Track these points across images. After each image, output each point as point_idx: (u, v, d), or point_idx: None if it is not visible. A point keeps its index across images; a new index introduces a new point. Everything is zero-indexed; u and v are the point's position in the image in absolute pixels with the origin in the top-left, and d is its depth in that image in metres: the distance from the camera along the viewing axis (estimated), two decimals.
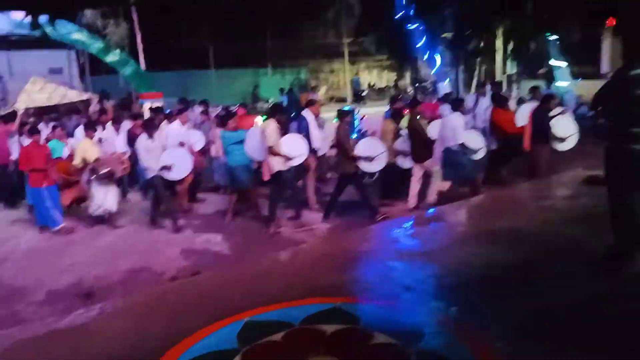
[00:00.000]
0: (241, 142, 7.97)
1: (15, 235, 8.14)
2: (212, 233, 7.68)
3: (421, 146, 8.10)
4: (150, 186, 8.48)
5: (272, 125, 7.63)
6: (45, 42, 18.14)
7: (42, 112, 11.06)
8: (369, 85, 32.08)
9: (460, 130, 7.91)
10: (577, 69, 15.77)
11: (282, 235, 7.47)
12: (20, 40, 17.98)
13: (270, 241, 7.26)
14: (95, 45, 14.21)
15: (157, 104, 12.61)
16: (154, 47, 17.92)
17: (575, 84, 15.16)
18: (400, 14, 14.61)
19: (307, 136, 8.36)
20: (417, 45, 16.30)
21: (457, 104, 8.31)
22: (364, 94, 29.34)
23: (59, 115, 11.70)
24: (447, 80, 16.74)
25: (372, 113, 16.06)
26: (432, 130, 8.57)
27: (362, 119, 12.23)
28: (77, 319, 4.19)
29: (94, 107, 11.65)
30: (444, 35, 21.84)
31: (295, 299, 4.11)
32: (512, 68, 27.02)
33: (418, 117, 8.36)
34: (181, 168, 8.25)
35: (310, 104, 9.13)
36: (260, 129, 7.90)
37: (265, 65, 27.15)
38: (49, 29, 13.30)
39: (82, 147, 8.35)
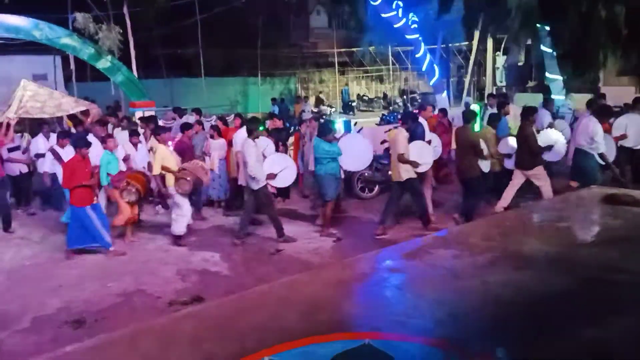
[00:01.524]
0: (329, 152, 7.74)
1: None
2: (209, 251, 7.26)
3: (529, 155, 7.93)
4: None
5: (403, 133, 7.69)
6: (29, 47, 17.62)
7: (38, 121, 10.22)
8: (359, 95, 31.87)
9: (600, 137, 7.80)
10: (572, 82, 15.65)
11: (284, 255, 7.08)
12: (4, 45, 17.40)
13: (271, 261, 6.87)
14: (86, 51, 13.68)
15: (149, 113, 12.17)
16: (144, 54, 17.51)
17: (572, 98, 15.03)
18: (400, 23, 14.35)
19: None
20: (417, 55, 16.06)
21: (602, 112, 8.19)
22: (353, 104, 29.10)
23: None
24: (445, 92, 16.53)
25: (365, 123, 15.77)
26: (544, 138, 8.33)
27: (359, 131, 11.90)
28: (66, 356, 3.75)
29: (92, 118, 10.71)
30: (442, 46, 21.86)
31: (317, 334, 3.71)
32: (501, 80, 27.12)
33: (532, 126, 8.20)
34: (287, 175, 8.21)
35: (422, 108, 8.83)
36: (391, 137, 8.00)
37: (254, 74, 26.82)
38: (37, 33, 12.85)
39: (160, 155, 7.50)
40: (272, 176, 7.84)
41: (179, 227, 7.55)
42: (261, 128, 11.04)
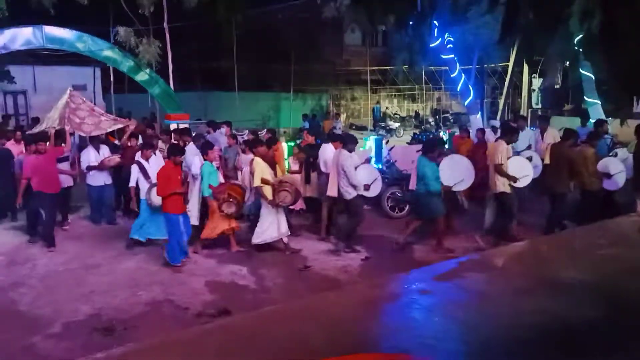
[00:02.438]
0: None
1: (33, 258, 7.78)
2: (237, 265, 7.29)
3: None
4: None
5: (504, 145, 7.77)
6: (70, 58, 18.23)
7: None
8: (386, 114, 31.85)
9: None
10: (609, 107, 15.32)
11: (312, 271, 7.06)
12: (46, 55, 18.05)
13: (299, 277, 6.86)
14: (126, 64, 14.07)
15: (183, 125, 12.39)
16: (181, 68, 17.90)
17: (610, 123, 14.71)
18: (436, 42, 14.34)
19: None
20: (452, 75, 15.99)
21: None
22: (391, 127, 29.06)
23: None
24: (479, 113, 16.38)
25: (396, 142, 15.77)
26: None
27: (390, 149, 11.87)
28: None
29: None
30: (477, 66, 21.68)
31: (344, 353, 3.67)
32: (537, 102, 26.71)
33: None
34: (377, 185, 8.36)
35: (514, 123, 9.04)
36: (491, 148, 8.10)
37: (287, 89, 27.08)
38: (81, 45, 13.27)
39: (260, 168, 7.65)
40: (367, 187, 7.98)
41: (258, 238, 7.71)
42: (291, 144, 11.16)
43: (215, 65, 26.46)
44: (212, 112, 22.02)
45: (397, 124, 27.62)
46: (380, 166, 11.34)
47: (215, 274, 7.01)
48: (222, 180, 8.27)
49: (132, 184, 8.22)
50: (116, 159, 9.35)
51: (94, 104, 12.53)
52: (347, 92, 32.14)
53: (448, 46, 15.53)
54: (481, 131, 11.28)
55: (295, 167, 9.55)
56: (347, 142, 7.90)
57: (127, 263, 7.47)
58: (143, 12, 14.99)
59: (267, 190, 7.57)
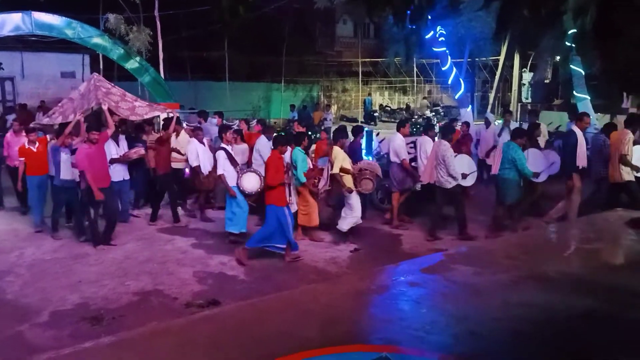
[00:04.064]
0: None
1: (20, 247, 7.71)
2: (226, 255, 7.26)
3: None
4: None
5: (630, 135, 7.92)
6: (59, 45, 18.00)
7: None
8: (381, 106, 31.85)
9: None
10: (598, 102, 15.43)
11: (302, 263, 7.07)
12: (35, 41, 17.81)
13: (288, 268, 6.86)
14: (116, 51, 13.90)
15: (172, 114, 12.25)
16: (171, 57, 17.76)
17: (599, 119, 14.82)
18: (428, 35, 14.32)
19: (573, 152, 8.09)
20: (444, 68, 16.00)
21: None
22: (375, 114, 29.08)
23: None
24: (469, 107, 16.43)
25: (387, 134, 15.71)
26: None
27: (381, 141, 11.88)
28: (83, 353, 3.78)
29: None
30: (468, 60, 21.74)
31: (334, 344, 3.67)
32: (527, 97, 26.85)
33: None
34: (473, 176, 8.42)
35: (579, 119, 8.75)
36: (615, 138, 8.17)
37: (278, 80, 26.97)
38: (70, 32, 13.10)
39: (340, 156, 7.76)
40: (465, 175, 8.12)
41: (346, 224, 7.82)
42: (282, 135, 11.15)
43: (206, 55, 26.29)
44: (202, 101, 21.88)
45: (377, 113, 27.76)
46: (371, 158, 11.34)
47: (204, 264, 7.00)
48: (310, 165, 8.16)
49: (220, 172, 7.77)
50: (141, 150, 8.83)
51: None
52: (338, 84, 32.09)
53: (440, 39, 15.54)
54: (466, 124, 11.45)
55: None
56: (445, 132, 8.31)
57: (115, 253, 7.43)
58: (133, 0, 14.83)
59: (347, 179, 7.75)
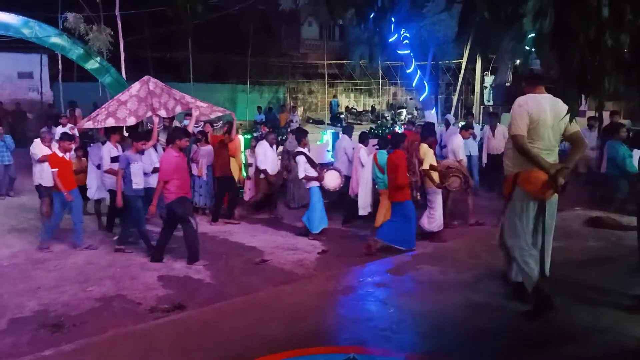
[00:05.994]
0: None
1: None
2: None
3: None
4: None
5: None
6: (16, 45, 17.43)
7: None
8: (347, 108, 32.01)
9: None
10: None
11: (269, 265, 7.03)
12: None
13: (255, 271, 6.81)
14: (75, 51, 13.51)
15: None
16: (134, 57, 17.41)
17: None
18: (393, 38, 14.45)
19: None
20: (408, 71, 16.17)
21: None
22: (341, 116, 29.21)
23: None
24: (434, 109, 16.64)
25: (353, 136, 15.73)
26: None
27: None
28: None
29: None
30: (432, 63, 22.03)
31: (300, 345, 3.68)
32: (489, 99, 27.37)
33: None
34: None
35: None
36: None
37: (244, 81, 26.78)
38: (27, 31, 12.70)
39: (430, 155, 7.99)
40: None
41: (434, 225, 7.89)
42: (248, 136, 11.14)
43: (169, 55, 25.89)
44: None
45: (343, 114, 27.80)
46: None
47: (169, 268, 6.88)
48: None
49: (301, 174, 8.24)
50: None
51: (41, 92, 11.94)
52: (304, 86, 32.09)
53: (404, 42, 15.70)
54: (427, 125, 11.67)
55: (252, 160, 9.57)
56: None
57: (76, 257, 7.24)
58: None
59: (435, 176, 7.89)
